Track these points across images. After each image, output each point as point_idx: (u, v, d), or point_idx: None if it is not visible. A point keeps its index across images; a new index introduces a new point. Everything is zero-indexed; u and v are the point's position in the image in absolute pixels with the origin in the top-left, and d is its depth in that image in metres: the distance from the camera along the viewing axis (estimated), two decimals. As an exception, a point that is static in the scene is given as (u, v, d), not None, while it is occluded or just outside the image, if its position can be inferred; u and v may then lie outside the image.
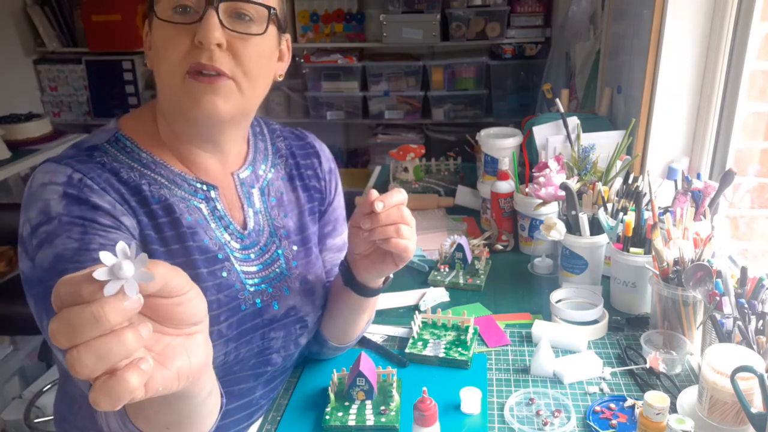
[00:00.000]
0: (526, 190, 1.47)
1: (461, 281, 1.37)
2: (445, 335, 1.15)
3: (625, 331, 1.18)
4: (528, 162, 1.62)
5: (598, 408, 0.96)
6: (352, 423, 0.94)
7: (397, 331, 1.21)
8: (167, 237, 0.84)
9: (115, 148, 0.85)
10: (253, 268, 0.92)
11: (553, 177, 1.34)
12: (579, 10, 2.32)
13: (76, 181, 0.78)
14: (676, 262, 1.09)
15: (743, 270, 1.00)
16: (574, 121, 1.59)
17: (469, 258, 1.42)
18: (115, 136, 0.86)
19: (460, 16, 3.23)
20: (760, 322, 0.93)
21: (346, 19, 3.36)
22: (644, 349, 1.06)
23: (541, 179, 1.36)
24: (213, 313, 0.84)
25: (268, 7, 0.82)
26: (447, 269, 1.42)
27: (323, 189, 1.05)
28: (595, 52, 2.09)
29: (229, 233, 0.90)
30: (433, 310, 1.21)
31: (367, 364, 0.99)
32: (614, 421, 0.93)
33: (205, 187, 0.89)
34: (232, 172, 0.94)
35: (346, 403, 0.98)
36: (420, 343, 1.13)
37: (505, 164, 1.54)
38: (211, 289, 0.86)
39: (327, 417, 0.96)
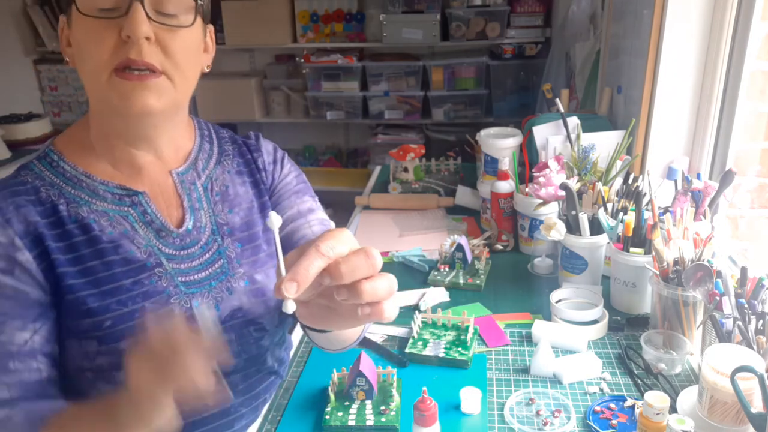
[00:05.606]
0: (526, 190, 1.47)
1: (461, 281, 1.37)
2: (445, 335, 1.16)
3: (625, 331, 1.18)
4: (528, 162, 1.62)
5: (598, 408, 0.97)
6: (352, 423, 0.94)
7: (397, 330, 1.21)
8: (83, 255, 0.83)
9: (42, 164, 0.85)
10: (194, 268, 0.90)
11: (553, 177, 1.35)
12: (579, 10, 2.32)
13: None
14: (676, 262, 1.09)
15: (743, 270, 1.00)
16: (574, 121, 1.59)
17: (469, 258, 1.42)
18: (45, 152, 0.86)
19: (460, 16, 3.23)
20: (760, 322, 0.93)
21: (346, 19, 3.36)
22: (644, 349, 1.06)
23: (541, 179, 1.36)
24: (140, 321, 0.84)
25: None
26: (447, 269, 1.42)
27: (265, 180, 1.03)
28: (595, 52, 2.09)
29: (162, 237, 0.89)
30: (433, 310, 1.21)
31: (367, 363, 0.99)
32: (614, 421, 0.93)
33: (129, 194, 0.88)
34: (171, 170, 0.92)
35: (346, 403, 0.98)
36: (420, 343, 1.14)
37: (505, 164, 1.54)
38: (136, 298, 0.85)
39: (327, 417, 0.96)
